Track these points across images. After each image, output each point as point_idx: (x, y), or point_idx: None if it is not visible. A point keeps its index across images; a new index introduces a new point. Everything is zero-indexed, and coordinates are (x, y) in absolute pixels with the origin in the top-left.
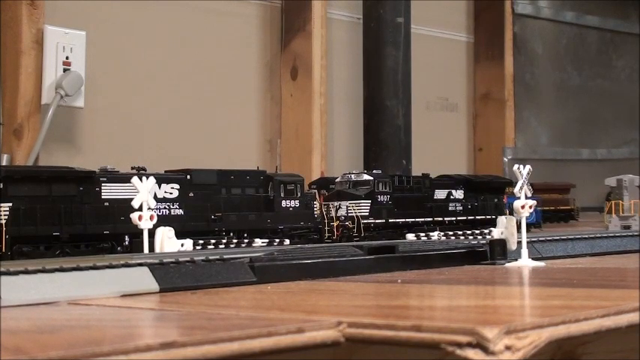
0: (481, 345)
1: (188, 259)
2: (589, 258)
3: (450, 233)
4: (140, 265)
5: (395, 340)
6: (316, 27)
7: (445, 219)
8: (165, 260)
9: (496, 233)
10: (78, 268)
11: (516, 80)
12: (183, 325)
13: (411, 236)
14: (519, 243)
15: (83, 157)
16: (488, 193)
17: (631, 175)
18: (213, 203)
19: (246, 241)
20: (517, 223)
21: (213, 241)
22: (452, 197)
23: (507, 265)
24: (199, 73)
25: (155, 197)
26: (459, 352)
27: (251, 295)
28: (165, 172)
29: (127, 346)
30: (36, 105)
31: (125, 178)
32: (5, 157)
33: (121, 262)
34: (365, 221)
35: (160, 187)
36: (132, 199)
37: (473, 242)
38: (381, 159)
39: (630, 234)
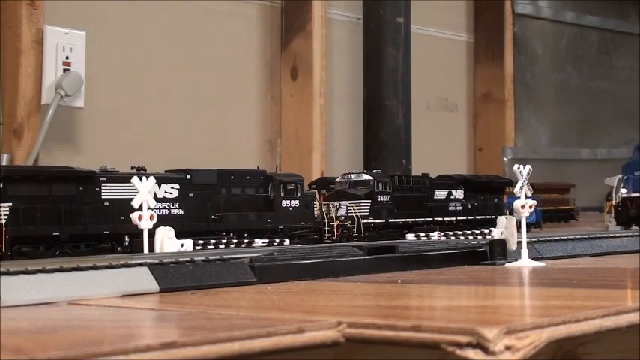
0: (481, 345)
1: (188, 259)
2: (589, 258)
3: (450, 233)
4: (140, 265)
5: (395, 340)
6: (316, 27)
7: (445, 219)
8: (165, 260)
9: (496, 233)
10: (78, 268)
11: (516, 80)
12: (183, 325)
13: (411, 236)
14: (519, 243)
15: (83, 157)
16: (488, 193)
17: None
18: (213, 203)
19: (246, 241)
20: (517, 223)
21: (213, 241)
22: (452, 197)
23: (507, 265)
24: (199, 73)
25: (155, 197)
26: (459, 352)
27: (251, 295)
28: (166, 172)
29: (127, 346)
30: (36, 105)
31: (125, 178)
32: (5, 157)
33: (121, 262)
34: (365, 221)
35: (160, 187)
36: (132, 199)
37: (473, 242)
38: (381, 159)
39: (630, 234)
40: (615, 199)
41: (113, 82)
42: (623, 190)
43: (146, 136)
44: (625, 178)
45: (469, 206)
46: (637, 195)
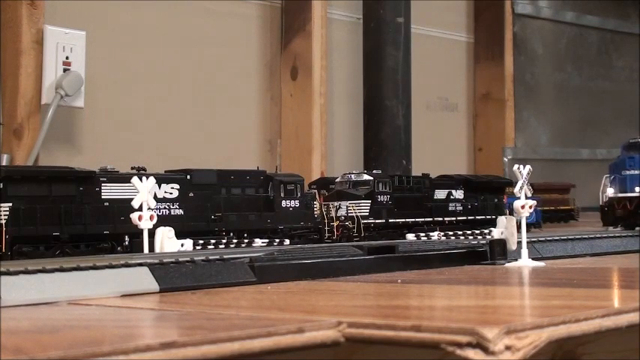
0: (481, 345)
1: (188, 259)
2: (589, 258)
3: (450, 233)
4: (140, 265)
5: (395, 340)
6: (316, 27)
7: (445, 219)
8: (165, 260)
9: (496, 233)
10: (78, 268)
11: (516, 80)
12: (183, 325)
13: (411, 236)
14: (519, 243)
15: (83, 157)
16: (488, 193)
17: None
18: (213, 203)
19: (246, 241)
20: (517, 223)
21: (213, 241)
22: (452, 197)
23: (507, 265)
24: (199, 73)
25: (155, 197)
26: (459, 352)
27: (251, 295)
28: (166, 172)
29: (127, 346)
30: (36, 105)
31: (125, 178)
32: (5, 157)
33: (121, 262)
34: (365, 221)
35: (160, 187)
36: (132, 199)
37: (473, 242)
38: (381, 159)
39: (630, 234)
40: (602, 199)
41: (113, 82)
42: (610, 190)
43: (146, 136)
44: (612, 177)
45: (469, 206)
46: (624, 195)
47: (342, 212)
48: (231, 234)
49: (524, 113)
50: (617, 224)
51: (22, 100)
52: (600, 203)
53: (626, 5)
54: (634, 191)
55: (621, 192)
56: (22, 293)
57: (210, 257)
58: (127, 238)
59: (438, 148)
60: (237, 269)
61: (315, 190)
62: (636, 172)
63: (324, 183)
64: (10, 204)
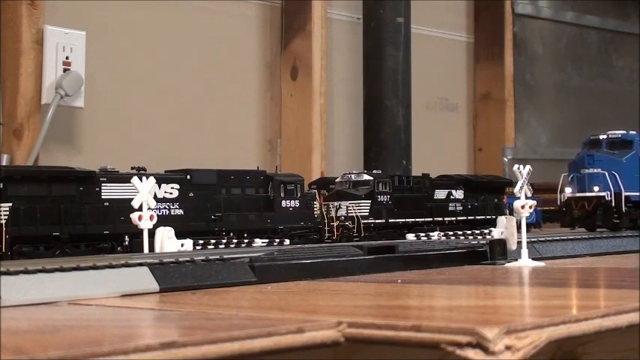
0: (481, 345)
1: (188, 259)
2: (589, 258)
3: (450, 233)
4: (140, 265)
5: (395, 340)
6: (316, 27)
7: (445, 219)
8: (165, 260)
9: (496, 233)
10: (78, 268)
11: (516, 80)
12: (183, 325)
13: (411, 236)
14: (519, 243)
15: (83, 157)
16: (488, 193)
17: None
18: (213, 203)
19: (246, 241)
20: (517, 223)
21: (213, 241)
22: (452, 197)
23: (507, 265)
24: (199, 74)
25: (155, 197)
26: (459, 352)
27: (251, 295)
28: (166, 172)
29: (127, 346)
30: (36, 105)
31: (125, 178)
32: (5, 157)
33: (121, 262)
34: (365, 221)
35: (160, 187)
36: (132, 199)
37: (473, 242)
38: (381, 159)
39: (630, 234)
40: (560, 199)
41: (113, 82)
42: (568, 190)
43: (146, 136)
44: (570, 176)
45: (469, 206)
46: (582, 195)
47: (342, 212)
48: (231, 234)
49: (524, 113)
50: (575, 225)
51: (22, 100)
52: (558, 203)
53: (626, 5)
54: (592, 191)
55: (580, 191)
56: (22, 293)
57: (210, 257)
58: (127, 238)
59: (438, 148)
60: (237, 269)
61: (315, 190)
62: (595, 170)
63: (324, 183)
64: (10, 204)
